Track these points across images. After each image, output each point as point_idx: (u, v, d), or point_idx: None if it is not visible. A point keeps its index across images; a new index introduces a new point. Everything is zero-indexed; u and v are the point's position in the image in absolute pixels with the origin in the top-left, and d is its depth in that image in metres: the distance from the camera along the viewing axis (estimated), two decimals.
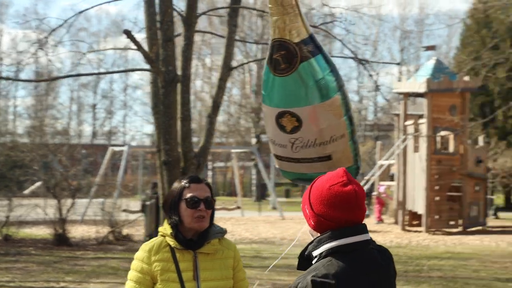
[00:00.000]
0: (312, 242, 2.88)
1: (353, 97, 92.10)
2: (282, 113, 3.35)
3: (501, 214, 30.66)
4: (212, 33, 17.18)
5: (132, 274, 3.64)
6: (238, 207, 30.42)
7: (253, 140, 45.99)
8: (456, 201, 23.81)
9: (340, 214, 2.79)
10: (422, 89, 23.07)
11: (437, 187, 23.22)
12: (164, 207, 3.73)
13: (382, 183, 26.71)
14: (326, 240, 2.80)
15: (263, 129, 49.33)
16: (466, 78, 23.48)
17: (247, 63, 32.84)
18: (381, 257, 2.91)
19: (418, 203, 23.64)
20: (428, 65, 24.72)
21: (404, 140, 24.29)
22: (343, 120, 3.36)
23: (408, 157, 24.07)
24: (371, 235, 2.91)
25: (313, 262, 2.84)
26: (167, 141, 8.99)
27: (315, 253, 2.83)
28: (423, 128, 23.41)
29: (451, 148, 24.11)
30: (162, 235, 3.71)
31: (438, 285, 12.72)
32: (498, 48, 28.53)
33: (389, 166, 26.39)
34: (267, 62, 3.32)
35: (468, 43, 37.92)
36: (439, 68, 24.09)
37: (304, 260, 2.93)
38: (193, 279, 3.58)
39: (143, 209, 18.01)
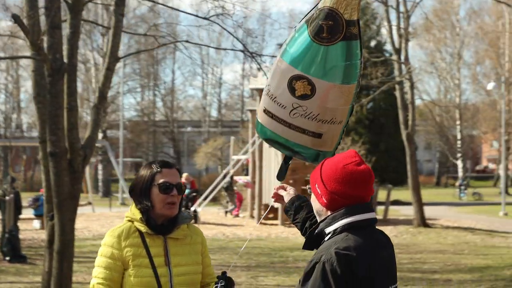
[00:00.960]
0: (324, 220, 2.93)
1: (197, 93, 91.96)
2: (300, 76, 3.34)
3: None
4: (96, 24, 16.58)
5: (101, 260, 3.53)
6: (89, 203, 29.76)
7: (100, 135, 44.94)
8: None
9: (355, 192, 2.88)
10: None
11: (291, 181, 23.84)
12: (133, 193, 3.63)
13: (237, 177, 26.99)
14: (341, 217, 2.87)
15: (109, 124, 48.44)
16: None
17: (136, 53, 32.02)
18: (384, 237, 3.03)
19: None
20: None
21: None
22: (347, 107, 3.43)
23: (264, 152, 24.49)
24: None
25: (326, 239, 2.89)
26: (53, 132, 8.63)
27: (329, 229, 2.89)
28: None
29: None
30: (129, 221, 3.62)
31: None
32: None
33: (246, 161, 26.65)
34: (308, 23, 3.33)
35: None
36: None
37: (312, 239, 2.97)
38: (164, 264, 3.54)
39: None
